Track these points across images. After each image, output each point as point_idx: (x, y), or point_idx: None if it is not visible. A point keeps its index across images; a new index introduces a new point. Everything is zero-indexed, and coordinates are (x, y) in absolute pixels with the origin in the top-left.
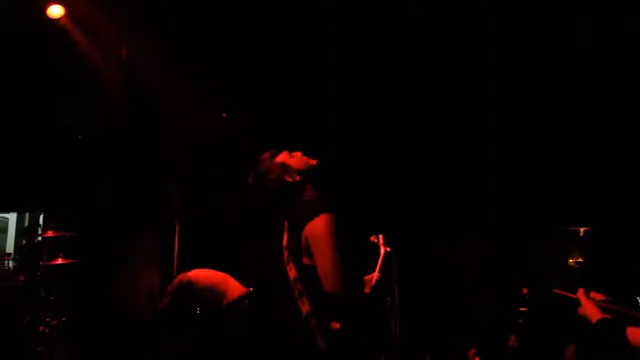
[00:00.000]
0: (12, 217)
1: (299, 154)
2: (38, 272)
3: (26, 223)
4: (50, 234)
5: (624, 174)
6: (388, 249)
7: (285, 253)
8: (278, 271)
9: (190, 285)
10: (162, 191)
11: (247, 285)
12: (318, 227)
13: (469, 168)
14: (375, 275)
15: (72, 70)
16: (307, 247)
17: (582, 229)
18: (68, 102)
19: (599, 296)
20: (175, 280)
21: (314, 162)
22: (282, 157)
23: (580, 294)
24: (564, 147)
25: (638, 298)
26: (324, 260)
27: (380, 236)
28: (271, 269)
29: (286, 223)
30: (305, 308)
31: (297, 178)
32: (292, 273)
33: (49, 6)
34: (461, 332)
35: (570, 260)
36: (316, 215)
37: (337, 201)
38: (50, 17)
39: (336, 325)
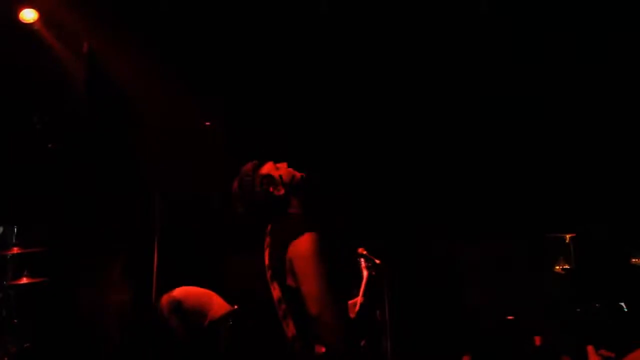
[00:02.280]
0: None
1: (284, 165)
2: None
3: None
4: (15, 250)
5: (611, 178)
6: (373, 273)
7: (269, 272)
8: (261, 290)
9: (178, 305)
10: (142, 202)
11: (230, 303)
12: (302, 247)
13: (458, 171)
14: (359, 299)
15: (43, 75)
16: (291, 268)
17: (567, 236)
18: (39, 109)
19: (607, 353)
20: (164, 300)
21: (299, 175)
22: (267, 168)
23: (590, 350)
24: (554, 152)
25: (622, 304)
26: (308, 283)
27: (362, 260)
28: (254, 286)
29: (268, 239)
30: (290, 330)
31: (282, 191)
32: (276, 293)
33: (21, 10)
34: (457, 339)
35: (557, 267)
36: (300, 234)
37: (326, 213)
38: (24, 21)
39: (321, 350)
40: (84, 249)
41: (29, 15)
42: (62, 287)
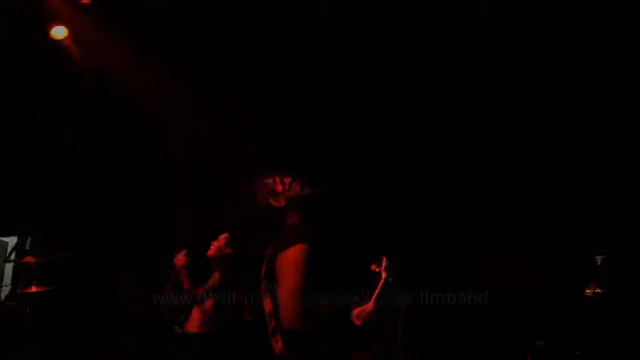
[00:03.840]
0: (12, 242)
1: (288, 179)
2: (13, 302)
3: (27, 248)
4: (29, 259)
5: None
6: (391, 279)
7: (262, 283)
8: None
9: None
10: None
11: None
12: (291, 256)
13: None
14: (370, 306)
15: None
16: (279, 276)
17: (599, 258)
18: (64, 123)
19: None
20: None
21: (306, 190)
22: (270, 181)
23: None
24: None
25: None
26: (285, 288)
27: (384, 258)
28: (257, 299)
29: (266, 252)
30: (278, 347)
31: (282, 203)
32: (267, 307)
33: (52, 27)
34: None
35: (588, 291)
36: (293, 244)
37: (327, 228)
38: (55, 38)
39: None
40: (100, 255)
41: (59, 32)
42: (76, 294)
